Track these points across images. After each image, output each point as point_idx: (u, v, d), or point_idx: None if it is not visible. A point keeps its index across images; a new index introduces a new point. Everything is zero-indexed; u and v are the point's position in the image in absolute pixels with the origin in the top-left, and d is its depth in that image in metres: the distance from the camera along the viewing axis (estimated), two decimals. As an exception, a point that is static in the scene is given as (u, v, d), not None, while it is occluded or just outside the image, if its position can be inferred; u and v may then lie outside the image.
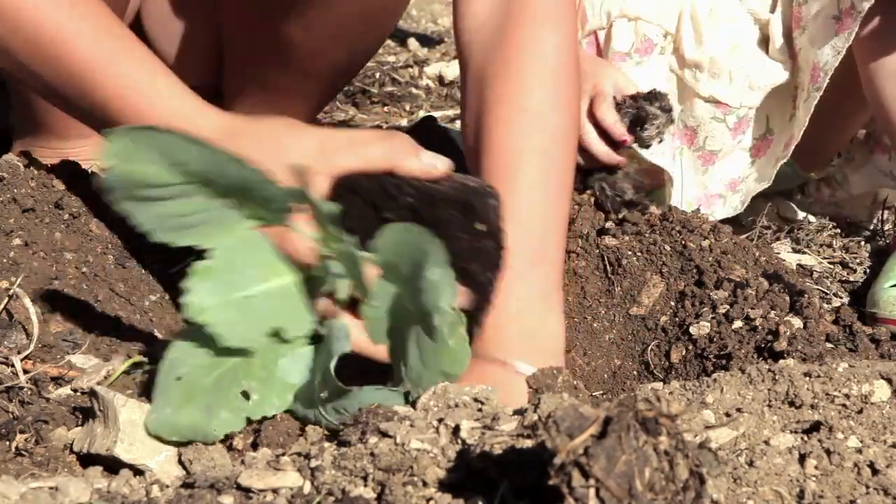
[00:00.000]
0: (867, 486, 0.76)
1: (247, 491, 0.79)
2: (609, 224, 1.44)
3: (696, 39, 1.76)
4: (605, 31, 1.78)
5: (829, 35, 1.65)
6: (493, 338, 1.12)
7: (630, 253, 1.41)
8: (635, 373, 1.32)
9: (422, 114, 2.80)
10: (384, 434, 0.82)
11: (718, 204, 1.82)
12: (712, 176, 1.81)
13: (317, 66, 1.52)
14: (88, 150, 1.71)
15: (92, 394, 0.96)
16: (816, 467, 0.78)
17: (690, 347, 1.27)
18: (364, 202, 1.03)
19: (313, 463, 0.80)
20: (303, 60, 1.51)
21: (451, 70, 3.21)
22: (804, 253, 1.76)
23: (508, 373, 1.11)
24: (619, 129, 1.53)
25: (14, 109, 1.65)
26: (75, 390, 1.04)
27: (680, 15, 1.76)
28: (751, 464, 0.79)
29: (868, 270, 1.66)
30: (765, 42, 1.79)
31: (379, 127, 2.69)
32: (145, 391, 1.05)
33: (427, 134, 2.00)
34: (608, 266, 1.40)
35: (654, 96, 1.57)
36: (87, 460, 0.95)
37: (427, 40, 3.83)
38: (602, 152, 1.53)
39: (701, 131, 1.78)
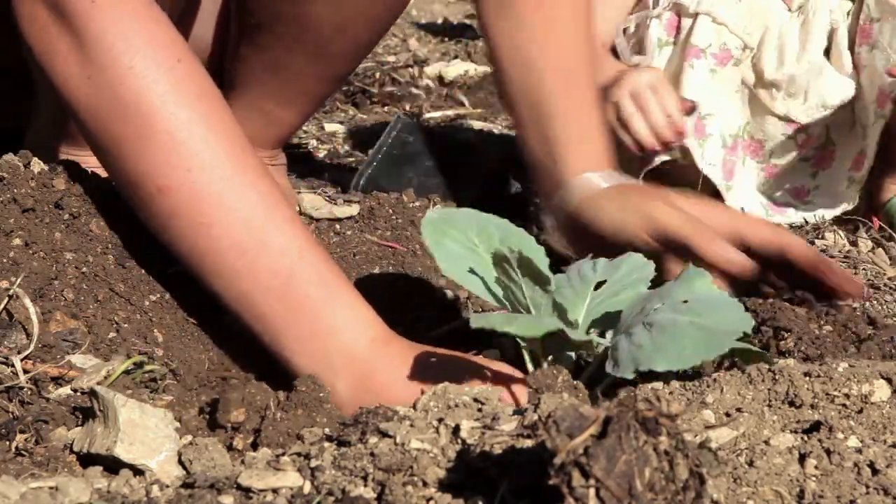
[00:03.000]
0: (867, 486, 0.76)
1: (247, 491, 0.79)
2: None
3: (778, 59, 1.76)
4: (690, 22, 1.78)
5: None
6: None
7: (630, 253, 1.40)
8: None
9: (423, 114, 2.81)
10: (384, 434, 0.82)
11: (790, 211, 1.84)
12: (774, 186, 1.84)
13: (338, 45, 1.52)
14: None
15: (92, 394, 0.96)
16: (816, 467, 0.78)
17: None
18: None
19: (313, 463, 0.80)
20: (325, 39, 1.50)
21: (451, 70, 3.21)
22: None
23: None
24: (679, 119, 1.64)
25: (38, 115, 1.64)
26: (75, 390, 1.04)
27: (765, 32, 1.76)
28: (751, 464, 0.79)
29: (868, 270, 1.66)
30: (827, 52, 1.80)
31: (378, 125, 2.69)
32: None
33: (410, 133, 2.00)
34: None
35: None
36: (87, 460, 0.95)
37: (427, 39, 3.84)
38: (660, 124, 1.65)
39: (767, 145, 1.80)
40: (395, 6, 1.53)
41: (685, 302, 0.94)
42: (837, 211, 1.82)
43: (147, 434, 0.93)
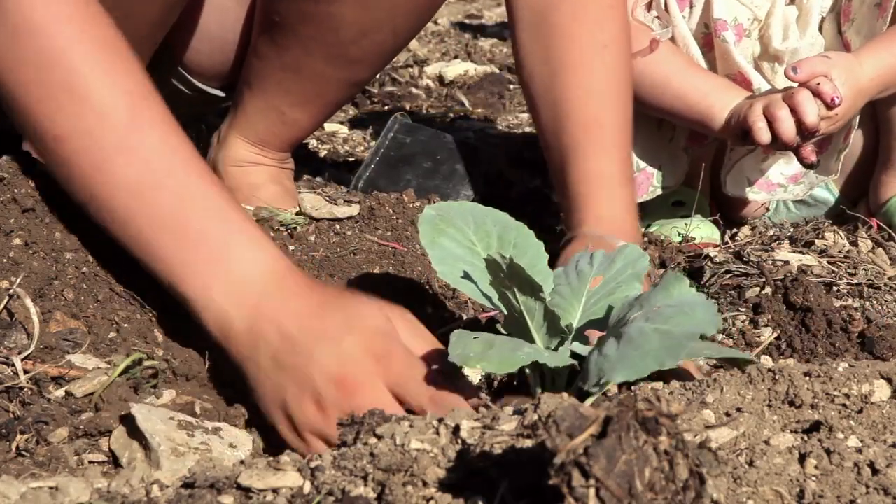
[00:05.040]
0: (867, 486, 0.76)
1: (247, 491, 0.79)
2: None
3: (783, 32, 1.75)
4: None
5: (873, 23, 1.67)
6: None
7: (630, 253, 1.41)
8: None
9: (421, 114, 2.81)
10: (381, 436, 0.82)
11: (779, 192, 1.85)
12: (772, 168, 1.83)
13: (359, 49, 1.52)
14: None
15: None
16: (816, 467, 0.78)
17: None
18: None
19: (313, 463, 0.80)
20: (346, 42, 1.50)
21: (451, 70, 3.21)
22: (804, 253, 1.76)
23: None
24: (812, 120, 1.58)
25: None
26: (70, 394, 1.04)
27: (773, 5, 1.75)
28: (751, 464, 0.79)
29: (868, 271, 1.66)
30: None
31: (378, 124, 2.69)
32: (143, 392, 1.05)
33: (407, 134, 2.00)
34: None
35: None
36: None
37: (427, 39, 3.84)
38: (787, 130, 1.59)
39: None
40: (421, 15, 1.53)
41: (657, 309, 0.94)
42: (820, 183, 1.83)
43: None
